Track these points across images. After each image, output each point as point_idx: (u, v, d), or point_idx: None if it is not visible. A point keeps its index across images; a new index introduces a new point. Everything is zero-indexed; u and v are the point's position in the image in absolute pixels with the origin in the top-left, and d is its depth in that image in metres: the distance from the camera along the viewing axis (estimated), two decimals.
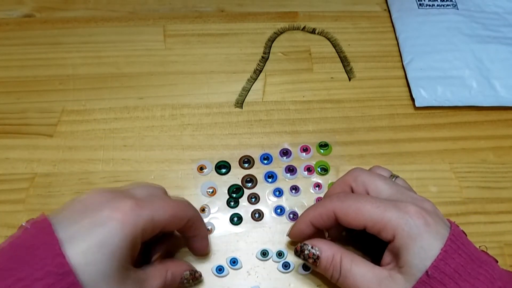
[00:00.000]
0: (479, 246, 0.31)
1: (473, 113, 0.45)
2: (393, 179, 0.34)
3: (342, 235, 0.36)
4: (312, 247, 0.32)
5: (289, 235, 0.35)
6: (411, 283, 0.28)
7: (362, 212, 0.30)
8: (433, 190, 0.40)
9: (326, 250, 0.32)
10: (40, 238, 0.25)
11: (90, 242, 0.25)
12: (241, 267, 0.36)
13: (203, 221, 0.34)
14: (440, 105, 0.44)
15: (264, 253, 0.36)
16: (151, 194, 0.31)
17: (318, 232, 0.34)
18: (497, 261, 0.30)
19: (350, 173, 0.34)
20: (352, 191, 0.33)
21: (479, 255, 0.29)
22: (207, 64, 0.47)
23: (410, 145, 0.42)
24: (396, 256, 0.29)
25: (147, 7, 0.51)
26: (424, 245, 0.28)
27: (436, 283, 0.27)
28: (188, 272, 0.33)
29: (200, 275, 0.34)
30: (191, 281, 0.33)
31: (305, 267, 0.36)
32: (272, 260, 0.36)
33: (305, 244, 0.32)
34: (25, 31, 0.48)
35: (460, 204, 0.39)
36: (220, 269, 0.36)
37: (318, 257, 0.32)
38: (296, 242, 0.34)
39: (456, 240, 0.28)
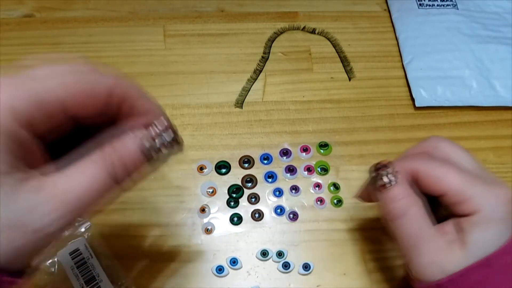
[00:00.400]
0: None
1: (473, 113, 0.45)
2: None
3: None
4: (392, 175, 0.29)
5: (357, 195, 0.33)
6: (468, 263, 0.26)
7: (447, 179, 0.28)
8: None
9: (404, 182, 0.29)
10: None
11: None
12: (241, 267, 0.36)
13: (145, 94, 0.23)
14: (440, 105, 0.44)
15: (264, 253, 0.36)
16: (56, 70, 0.21)
17: None
18: None
19: (429, 140, 0.31)
20: None
21: None
22: (207, 64, 0.47)
23: (410, 145, 0.42)
24: (463, 231, 0.27)
25: (147, 7, 0.51)
26: (499, 232, 0.27)
27: (494, 272, 0.26)
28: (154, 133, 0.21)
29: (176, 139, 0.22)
30: (164, 148, 0.21)
31: (305, 267, 0.36)
32: (272, 260, 0.36)
33: (386, 166, 0.29)
34: (25, 31, 0.48)
35: None
36: (220, 269, 0.36)
37: (393, 185, 0.29)
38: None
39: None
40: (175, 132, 0.22)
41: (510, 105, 0.44)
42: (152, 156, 0.21)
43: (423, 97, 0.44)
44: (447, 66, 0.46)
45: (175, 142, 0.22)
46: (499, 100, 0.44)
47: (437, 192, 0.28)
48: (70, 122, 0.21)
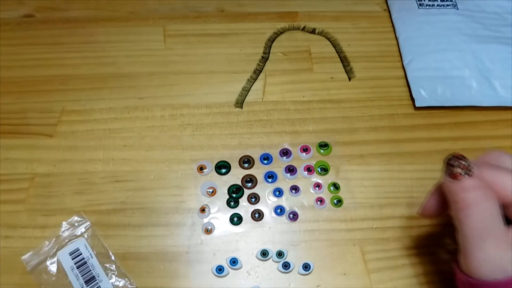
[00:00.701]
0: None
1: (473, 113, 0.45)
2: None
3: None
4: (469, 164, 0.29)
5: (420, 211, 0.32)
6: None
7: None
8: None
9: (479, 177, 0.28)
10: None
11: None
12: (241, 267, 0.36)
13: None
14: (440, 105, 0.44)
15: (264, 253, 0.36)
16: None
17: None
18: None
19: (489, 154, 0.31)
20: None
21: None
22: (207, 64, 0.47)
23: (410, 145, 0.42)
24: None
25: (147, 7, 0.51)
26: None
27: None
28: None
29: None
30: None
31: (305, 267, 0.36)
32: (272, 260, 0.36)
33: (464, 157, 0.29)
34: (25, 31, 0.48)
35: None
36: (220, 269, 0.36)
37: (470, 171, 0.28)
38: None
39: None
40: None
41: (510, 105, 0.44)
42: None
43: (423, 97, 0.44)
44: (447, 66, 0.46)
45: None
46: (499, 100, 0.44)
47: (503, 202, 0.28)
48: None
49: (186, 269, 0.36)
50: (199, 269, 0.36)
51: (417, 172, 0.41)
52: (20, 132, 0.42)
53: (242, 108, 0.44)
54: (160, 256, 0.36)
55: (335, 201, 0.39)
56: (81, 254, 0.36)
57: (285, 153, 0.41)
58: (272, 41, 0.49)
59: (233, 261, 0.36)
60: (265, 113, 0.44)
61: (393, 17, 0.50)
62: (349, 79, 0.46)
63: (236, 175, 0.40)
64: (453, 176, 0.28)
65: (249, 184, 0.40)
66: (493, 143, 0.43)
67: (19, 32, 0.48)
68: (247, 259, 0.36)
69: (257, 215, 0.38)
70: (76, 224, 0.37)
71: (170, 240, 0.37)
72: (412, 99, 0.44)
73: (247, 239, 0.37)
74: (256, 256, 0.37)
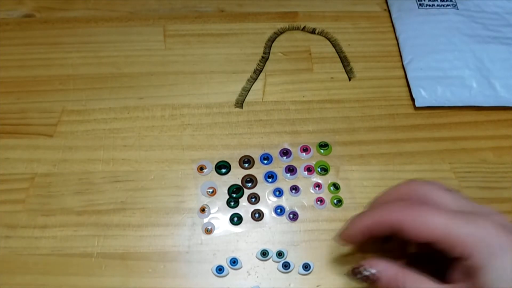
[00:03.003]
0: None
1: (473, 113, 0.45)
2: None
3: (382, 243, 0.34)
4: (369, 268, 0.29)
5: (337, 239, 0.33)
6: None
7: (432, 226, 0.27)
8: None
9: (387, 271, 0.28)
10: None
11: None
12: (241, 267, 0.36)
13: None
14: (440, 105, 0.44)
15: (264, 253, 0.36)
16: None
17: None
18: None
19: (407, 183, 0.31)
20: None
21: None
22: (207, 64, 0.47)
23: (410, 145, 0.42)
24: (471, 276, 0.26)
25: (147, 7, 0.51)
26: (507, 265, 0.25)
27: None
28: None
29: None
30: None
31: (305, 267, 0.36)
32: (272, 260, 0.36)
33: (361, 265, 0.29)
34: (25, 31, 0.48)
35: None
36: (220, 269, 0.36)
37: (378, 279, 0.29)
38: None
39: None
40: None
41: (510, 105, 0.44)
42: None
43: (423, 97, 0.44)
44: (447, 66, 0.46)
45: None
46: (499, 100, 0.44)
47: (425, 240, 0.27)
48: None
49: (186, 269, 0.36)
50: (199, 269, 0.36)
51: (417, 172, 0.41)
52: (20, 132, 0.42)
53: (242, 108, 0.44)
54: (160, 256, 0.36)
55: (335, 201, 0.39)
56: None
57: (285, 153, 0.41)
58: (272, 41, 0.49)
59: (233, 261, 0.36)
60: (265, 113, 0.44)
61: (393, 17, 0.50)
62: (349, 79, 0.46)
63: (236, 175, 0.40)
64: (365, 280, 0.29)
65: (249, 184, 0.40)
66: (493, 143, 0.43)
67: (19, 32, 0.48)
68: (247, 259, 0.36)
69: (257, 215, 0.38)
70: None
71: (170, 240, 0.37)
72: (412, 99, 0.44)
73: (247, 239, 0.37)
74: (256, 256, 0.37)
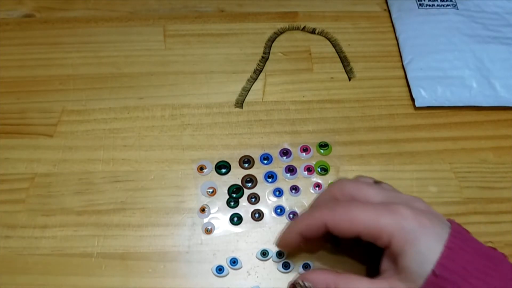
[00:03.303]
0: (485, 243, 0.30)
1: (473, 113, 0.45)
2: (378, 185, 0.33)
3: (334, 247, 0.36)
4: (304, 282, 0.31)
5: (277, 245, 0.36)
6: None
7: (355, 221, 0.29)
8: (433, 190, 0.40)
9: (319, 282, 0.31)
10: None
11: None
12: (241, 267, 0.36)
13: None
14: (440, 105, 0.44)
15: (264, 253, 0.36)
16: None
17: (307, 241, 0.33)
18: (505, 256, 0.29)
19: (335, 184, 0.33)
20: None
21: (486, 251, 0.28)
22: (207, 64, 0.47)
23: (410, 145, 0.42)
24: (394, 262, 0.29)
25: (147, 7, 0.51)
26: (422, 249, 0.27)
27: (445, 282, 0.26)
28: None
29: None
30: None
31: (305, 267, 0.36)
32: (272, 260, 0.36)
33: (296, 282, 0.32)
34: (25, 31, 0.48)
35: (460, 204, 0.39)
36: (220, 269, 0.36)
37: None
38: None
39: (459, 236, 0.28)
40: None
41: (510, 105, 0.44)
42: None
43: (423, 97, 0.44)
44: (447, 66, 0.46)
45: None
46: (499, 100, 0.44)
47: (353, 235, 0.30)
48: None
49: (186, 269, 0.36)
50: (199, 269, 0.36)
51: (417, 172, 0.41)
52: (20, 132, 0.42)
53: (242, 108, 0.44)
54: (160, 256, 0.36)
55: None
56: None
57: (285, 153, 0.41)
58: (272, 41, 0.49)
59: (233, 261, 0.36)
60: (265, 113, 0.44)
61: (393, 17, 0.50)
62: (349, 79, 0.46)
63: (236, 175, 0.40)
64: None
65: (249, 184, 0.40)
66: (493, 143, 0.43)
67: (19, 32, 0.48)
68: (247, 259, 0.36)
69: (257, 215, 0.38)
70: None
71: (170, 240, 0.37)
72: (412, 99, 0.44)
73: (247, 239, 0.37)
74: (256, 256, 0.37)
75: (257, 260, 0.37)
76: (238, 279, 0.36)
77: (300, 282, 0.32)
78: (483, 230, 0.38)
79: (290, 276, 0.36)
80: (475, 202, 0.40)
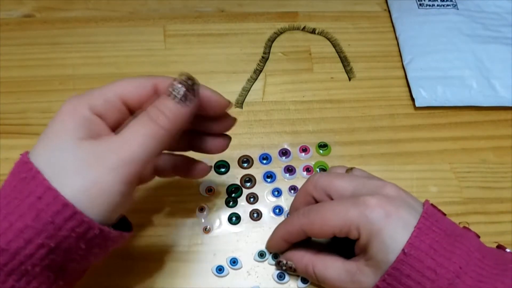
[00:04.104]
0: (459, 223, 0.31)
1: (473, 113, 0.45)
2: (350, 173, 0.34)
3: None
4: (286, 262, 0.34)
5: (266, 249, 0.37)
6: (379, 275, 0.28)
7: (327, 223, 0.30)
8: (433, 190, 0.40)
9: (299, 262, 0.33)
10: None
11: (42, 140, 0.26)
12: (241, 267, 0.36)
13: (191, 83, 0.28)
14: (440, 105, 0.44)
15: (262, 254, 0.36)
16: None
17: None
18: (478, 236, 0.30)
19: (309, 181, 0.34)
20: (315, 200, 0.33)
21: (455, 230, 0.29)
22: (207, 64, 0.47)
23: (410, 145, 0.42)
24: (364, 251, 0.29)
25: (147, 7, 0.51)
26: (385, 239, 0.28)
27: (413, 260, 0.27)
28: (177, 83, 0.26)
29: (194, 83, 0.28)
30: (185, 93, 0.27)
31: (303, 280, 0.36)
32: (268, 263, 0.36)
33: (280, 260, 0.35)
34: (25, 31, 0.48)
35: (460, 204, 0.39)
36: (220, 269, 0.36)
37: (294, 269, 0.34)
38: None
39: (430, 217, 0.28)
40: (192, 77, 0.28)
41: (510, 105, 0.44)
42: (179, 98, 0.26)
43: (423, 97, 0.44)
44: (447, 66, 0.46)
45: (194, 83, 0.28)
46: (499, 100, 0.44)
47: (328, 236, 0.31)
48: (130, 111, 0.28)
49: (186, 269, 0.36)
50: (199, 269, 0.36)
51: (417, 172, 0.41)
52: (20, 132, 0.42)
53: (242, 108, 0.44)
54: (160, 256, 0.36)
55: None
56: None
57: (284, 153, 0.41)
58: (272, 41, 0.49)
59: (233, 261, 0.36)
60: (265, 113, 0.44)
61: (393, 17, 0.50)
62: (349, 79, 0.46)
63: (235, 175, 0.40)
64: (288, 268, 0.34)
65: (248, 184, 0.40)
66: (493, 143, 0.43)
67: (19, 32, 0.48)
68: (247, 259, 0.36)
69: (256, 215, 0.38)
70: None
71: (170, 240, 0.37)
72: (412, 99, 0.44)
73: (247, 239, 0.37)
74: (254, 258, 0.36)
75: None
76: (238, 279, 0.36)
77: (284, 261, 0.34)
78: (483, 230, 0.38)
79: (290, 276, 0.36)
80: (475, 202, 0.40)
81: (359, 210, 0.29)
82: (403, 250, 0.27)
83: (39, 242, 0.23)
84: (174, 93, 0.26)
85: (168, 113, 0.26)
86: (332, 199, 0.32)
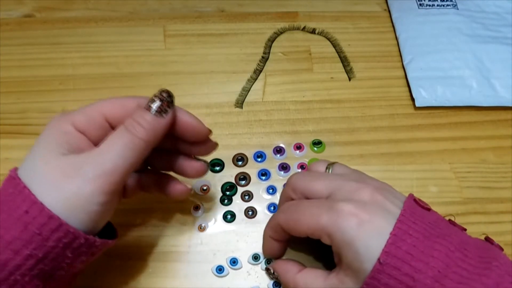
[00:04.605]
0: (445, 216, 0.30)
1: (473, 113, 0.45)
2: (330, 170, 0.33)
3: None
4: (273, 272, 0.34)
5: (263, 253, 0.36)
6: (359, 284, 0.28)
7: (301, 222, 0.30)
8: (433, 190, 0.40)
9: (282, 277, 0.33)
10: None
11: (28, 155, 0.28)
12: (241, 267, 0.36)
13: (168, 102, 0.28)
14: (440, 105, 0.44)
15: (256, 257, 0.36)
16: None
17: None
18: (464, 229, 0.30)
19: (287, 183, 0.34)
20: None
21: (436, 229, 0.28)
22: (207, 64, 0.47)
23: (410, 145, 0.42)
24: (339, 260, 0.29)
25: (147, 7, 0.51)
26: (359, 249, 0.27)
27: (390, 268, 0.26)
28: (154, 97, 0.28)
29: (170, 97, 0.29)
30: (161, 105, 0.28)
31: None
32: (261, 269, 0.36)
33: (267, 268, 0.35)
34: (25, 31, 0.48)
35: (460, 204, 0.39)
36: (220, 269, 0.36)
37: (279, 278, 0.34)
38: None
39: (407, 220, 0.27)
40: (168, 91, 0.29)
41: (510, 105, 0.44)
42: (155, 110, 0.27)
43: (423, 97, 0.44)
44: (447, 66, 0.46)
45: (170, 96, 0.28)
46: (499, 100, 0.44)
47: (302, 235, 0.30)
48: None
49: (186, 269, 0.36)
50: (199, 269, 0.36)
51: (417, 172, 0.41)
52: (20, 132, 0.42)
53: (242, 108, 0.44)
54: (160, 256, 0.36)
55: None
56: None
57: (279, 151, 0.41)
58: (272, 41, 0.49)
59: (233, 261, 0.36)
60: (265, 113, 0.44)
61: (393, 17, 0.50)
62: (349, 79, 0.46)
63: (229, 173, 0.40)
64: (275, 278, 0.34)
65: (243, 182, 0.40)
66: (493, 143, 0.43)
67: (19, 32, 0.48)
68: (247, 259, 0.36)
69: (251, 213, 0.38)
70: None
71: (170, 240, 0.37)
72: (412, 99, 0.44)
73: (247, 239, 0.37)
74: (248, 261, 0.36)
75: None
76: (238, 279, 0.36)
77: (271, 270, 0.34)
78: (483, 230, 0.38)
79: None
80: (475, 202, 0.40)
81: (331, 217, 0.28)
82: (378, 259, 0.26)
83: (27, 253, 0.24)
84: (150, 105, 0.27)
85: (145, 124, 0.27)
86: None
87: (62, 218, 0.25)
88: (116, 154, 0.26)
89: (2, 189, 0.26)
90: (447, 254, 0.26)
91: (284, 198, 0.34)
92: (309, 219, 0.29)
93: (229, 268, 0.36)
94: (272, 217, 0.34)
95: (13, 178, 0.26)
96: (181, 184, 0.34)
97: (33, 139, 0.41)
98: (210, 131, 0.32)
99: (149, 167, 0.34)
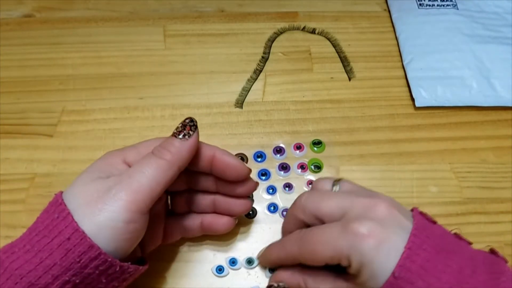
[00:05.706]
0: (451, 230, 0.30)
1: (473, 113, 0.45)
2: (337, 188, 0.33)
3: None
4: (278, 285, 0.33)
5: (259, 264, 0.36)
6: None
7: (317, 254, 0.29)
8: (433, 190, 0.40)
9: (290, 280, 0.32)
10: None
11: (74, 180, 0.30)
12: (241, 267, 0.36)
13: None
14: (440, 105, 0.44)
15: (250, 261, 0.36)
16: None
17: None
18: (470, 243, 0.30)
19: (296, 205, 0.33)
20: (306, 223, 0.32)
21: (446, 244, 0.28)
22: (207, 64, 0.47)
23: (410, 145, 0.42)
24: (355, 276, 0.29)
25: (147, 7, 0.51)
26: (376, 268, 0.27)
27: (404, 283, 0.26)
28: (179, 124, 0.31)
29: (192, 121, 0.31)
30: (184, 129, 0.30)
31: (248, 262, 0.36)
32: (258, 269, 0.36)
33: (271, 284, 0.33)
34: (25, 31, 0.48)
35: (460, 204, 0.39)
36: (220, 269, 0.36)
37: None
38: None
39: (420, 234, 0.27)
40: (191, 118, 0.31)
41: (510, 105, 0.44)
42: (180, 135, 0.30)
43: (423, 97, 0.44)
44: (447, 66, 0.46)
45: (192, 122, 0.30)
46: (499, 100, 0.44)
47: (320, 265, 0.30)
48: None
49: (186, 269, 0.36)
50: (199, 269, 0.36)
51: (417, 172, 0.41)
52: (20, 132, 0.42)
53: (242, 108, 0.44)
54: (160, 256, 0.36)
55: None
56: None
57: (279, 151, 0.41)
58: (272, 41, 0.49)
59: (232, 262, 0.36)
60: (265, 113, 0.44)
61: (393, 17, 0.50)
62: (349, 79, 0.46)
63: None
64: None
65: None
66: (493, 143, 0.43)
67: (19, 32, 0.48)
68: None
69: (251, 213, 0.38)
70: None
71: None
72: (412, 99, 0.44)
73: (247, 239, 0.37)
74: (243, 265, 0.36)
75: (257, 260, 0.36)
76: (238, 279, 0.36)
77: (275, 284, 0.33)
78: (483, 230, 0.38)
79: None
80: (475, 202, 0.40)
81: (349, 240, 0.28)
82: (393, 273, 0.26)
83: (66, 278, 0.26)
84: (174, 131, 0.30)
85: (171, 148, 0.29)
86: (322, 221, 0.31)
87: (89, 235, 0.26)
88: (142, 174, 0.28)
89: (46, 211, 0.28)
90: (458, 271, 0.26)
91: (293, 220, 0.33)
92: (326, 248, 0.29)
93: (229, 268, 0.36)
94: (282, 248, 0.33)
95: (59, 203, 0.27)
96: (225, 218, 0.34)
97: (33, 139, 0.42)
98: (249, 170, 0.33)
99: (191, 211, 0.35)
